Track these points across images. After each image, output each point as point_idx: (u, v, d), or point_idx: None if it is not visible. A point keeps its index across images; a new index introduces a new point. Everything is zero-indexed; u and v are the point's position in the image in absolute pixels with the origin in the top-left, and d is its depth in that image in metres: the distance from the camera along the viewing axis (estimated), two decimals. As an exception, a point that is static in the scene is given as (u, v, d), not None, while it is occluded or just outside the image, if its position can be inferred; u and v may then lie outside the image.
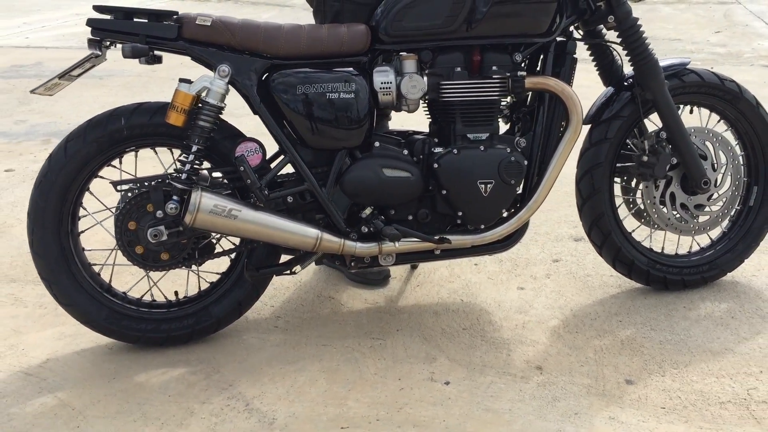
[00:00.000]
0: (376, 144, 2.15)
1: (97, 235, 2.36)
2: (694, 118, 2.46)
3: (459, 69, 2.13)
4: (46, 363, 2.17)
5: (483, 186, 2.13)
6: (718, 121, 2.46)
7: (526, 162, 2.17)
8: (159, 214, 2.04)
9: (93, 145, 2.07)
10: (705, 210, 2.40)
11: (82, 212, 2.17)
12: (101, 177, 2.16)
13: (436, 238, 2.15)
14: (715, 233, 2.53)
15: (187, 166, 2.05)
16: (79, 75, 2.11)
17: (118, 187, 2.07)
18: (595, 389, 2.00)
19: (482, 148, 2.14)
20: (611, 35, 2.34)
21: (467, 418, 1.89)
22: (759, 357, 2.12)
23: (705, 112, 2.45)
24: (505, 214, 2.23)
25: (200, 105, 2.03)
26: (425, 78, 2.13)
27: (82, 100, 5.05)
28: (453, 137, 2.17)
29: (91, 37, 2.05)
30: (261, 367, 2.13)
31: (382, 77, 2.10)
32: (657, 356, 2.14)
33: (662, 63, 2.34)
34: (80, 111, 4.78)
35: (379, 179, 2.11)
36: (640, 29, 2.23)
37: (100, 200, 2.22)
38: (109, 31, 2.03)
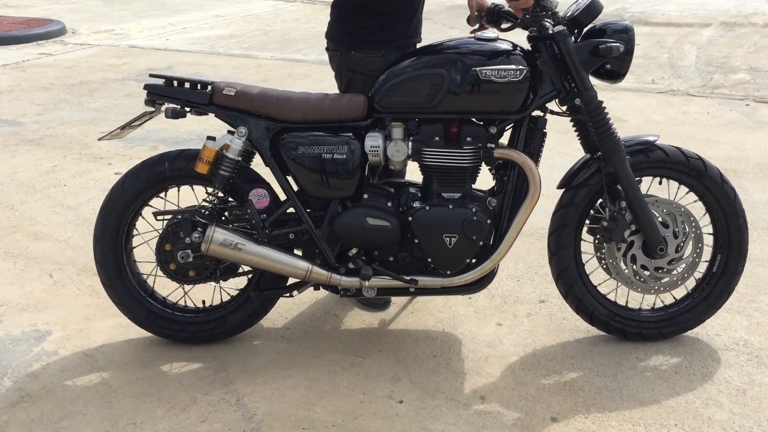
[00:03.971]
0: (365, 195, 2.58)
1: (148, 249, 2.94)
2: (664, 188, 2.71)
3: (438, 138, 2.52)
4: (101, 347, 2.77)
5: (448, 239, 2.51)
6: (687, 193, 2.69)
7: (489, 221, 2.53)
8: (187, 240, 2.57)
9: (144, 181, 2.63)
10: (665, 272, 2.65)
11: (135, 231, 2.75)
12: (150, 206, 2.73)
13: (407, 278, 2.55)
14: (681, 293, 2.76)
15: (210, 205, 2.57)
16: (138, 126, 2.67)
17: (158, 217, 2.63)
18: (522, 422, 2.35)
19: (451, 206, 2.52)
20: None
21: (404, 433, 2.31)
22: (681, 411, 2.38)
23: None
24: (473, 262, 2.60)
25: (221, 158, 2.53)
26: (410, 144, 2.53)
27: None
28: (430, 194, 2.56)
29: (146, 98, 2.59)
30: (259, 369, 2.63)
31: (372, 142, 2.52)
32: (590, 400, 2.44)
33: (631, 140, 2.61)
34: (189, 121, 5.47)
35: (362, 226, 2.54)
36: (604, 111, 2.51)
37: (150, 223, 2.79)
38: (159, 94, 2.57)
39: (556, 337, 2.79)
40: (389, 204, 2.58)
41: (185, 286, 2.77)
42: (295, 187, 2.61)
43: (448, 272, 2.57)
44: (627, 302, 2.79)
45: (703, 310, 2.69)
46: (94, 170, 4.60)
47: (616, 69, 2.54)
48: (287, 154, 2.54)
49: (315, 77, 6.92)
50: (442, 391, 2.50)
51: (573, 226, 2.63)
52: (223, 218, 2.64)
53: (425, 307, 3.01)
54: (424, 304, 3.03)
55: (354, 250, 2.59)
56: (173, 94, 2.56)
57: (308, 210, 2.60)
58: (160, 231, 2.64)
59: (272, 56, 7.98)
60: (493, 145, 2.50)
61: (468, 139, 2.51)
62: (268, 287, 2.67)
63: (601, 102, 2.51)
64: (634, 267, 2.65)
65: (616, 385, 2.51)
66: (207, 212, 2.57)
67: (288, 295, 2.67)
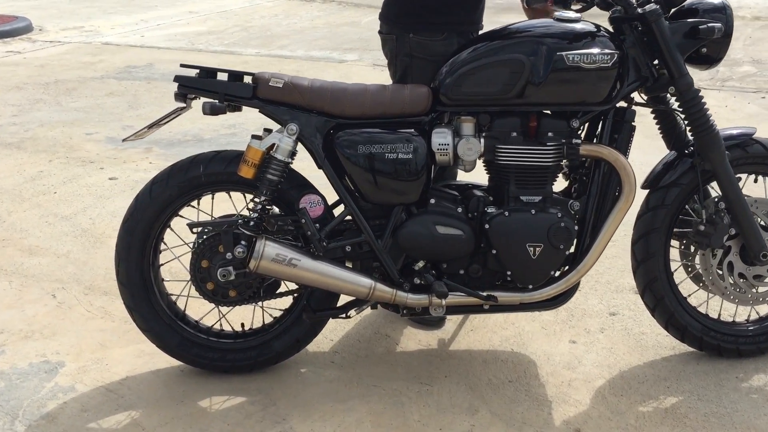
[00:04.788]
0: (432, 201, 2.26)
1: (176, 265, 2.58)
2: (759, 187, 2.44)
3: (515, 134, 2.21)
4: (125, 380, 2.40)
5: (532, 249, 2.20)
6: (786, 192, 2.43)
7: (576, 227, 2.23)
8: (228, 255, 2.22)
9: (174, 188, 2.27)
10: (764, 281, 2.38)
11: (162, 246, 2.39)
12: (181, 216, 2.37)
13: (484, 295, 2.24)
14: (777, 303, 2.50)
15: (255, 215, 2.22)
16: (166, 123, 2.31)
17: (193, 229, 2.27)
18: (628, 458, 2.05)
19: (533, 211, 2.21)
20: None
21: (497, 476, 1.99)
22: (804, 440, 2.11)
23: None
24: (555, 274, 2.29)
25: (269, 159, 2.19)
26: (482, 140, 2.22)
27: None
28: (507, 198, 2.25)
29: (177, 91, 2.23)
30: (313, 402, 2.28)
31: (440, 139, 2.20)
32: (699, 429, 2.15)
33: (727, 132, 2.33)
34: (182, 119, 5.06)
35: (431, 236, 2.22)
36: (702, 101, 2.22)
37: (180, 237, 2.43)
38: (193, 87, 2.22)
39: (640, 356, 2.50)
40: (459, 210, 2.27)
41: (222, 308, 2.41)
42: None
43: (530, 286, 2.26)
44: (719, 315, 2.51)
45: (804, 322, 2.43)
46: (84, 175, 4.19)
47: (712, 53, 2.27)
48: (343, 154, 2.20)
49: (307, 74, 6.52)
50: (529, 423, 2.19)
51: (663, 230, 2.34)
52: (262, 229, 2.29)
53: (485, 324, 2.70)
54: (483, 320, 2.72)
55: (420, 263, 2.27)
56: (211, 87, 2.20)
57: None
58: (193, 245, 2.29)
59: (257, 53, 7.57)
60: (578, 141, 2.20)
61: (549, 134, 2.21)
62: (321, 307, 2.33)
63: (698, 90, 2.23)
64: (731, 275, 2.37)
65: (723, 411, 2.23)
66: (252, 223, 2.22)
67: (344, 315, 2.33)
